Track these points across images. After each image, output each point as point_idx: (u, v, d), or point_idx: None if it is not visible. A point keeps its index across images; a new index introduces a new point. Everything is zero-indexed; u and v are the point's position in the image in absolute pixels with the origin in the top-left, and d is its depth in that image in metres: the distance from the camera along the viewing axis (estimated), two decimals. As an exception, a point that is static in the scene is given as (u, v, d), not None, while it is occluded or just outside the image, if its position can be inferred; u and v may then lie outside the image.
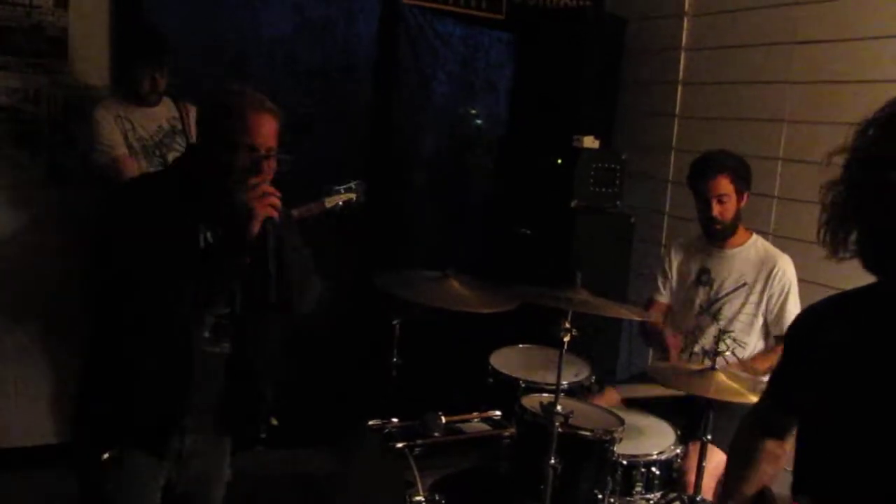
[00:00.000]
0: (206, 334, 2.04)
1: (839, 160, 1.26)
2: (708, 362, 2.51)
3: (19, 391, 3.70)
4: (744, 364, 2.91)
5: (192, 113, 3.50)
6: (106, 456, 1.99)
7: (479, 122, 4.68)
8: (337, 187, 3.45)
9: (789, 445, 1.64)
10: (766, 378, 1.91)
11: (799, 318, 1.54)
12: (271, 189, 1.94)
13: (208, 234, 2.00)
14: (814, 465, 1.36)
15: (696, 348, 3.10)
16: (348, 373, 4.08)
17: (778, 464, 1.70)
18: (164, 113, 3.47)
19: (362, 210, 3.67)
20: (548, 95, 4.29)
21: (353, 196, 3.47)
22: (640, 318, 2.91)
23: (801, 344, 1.48)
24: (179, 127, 3.45)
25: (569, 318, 2.35)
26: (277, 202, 1.94)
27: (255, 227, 1.89)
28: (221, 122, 1.95)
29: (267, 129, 1.97)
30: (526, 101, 4.49)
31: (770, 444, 1.69)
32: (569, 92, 4.20)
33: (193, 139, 3.37)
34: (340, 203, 3.45)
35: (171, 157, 3.42)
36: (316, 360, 4.16)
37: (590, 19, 4.34)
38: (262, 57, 4.02)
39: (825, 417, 1.33)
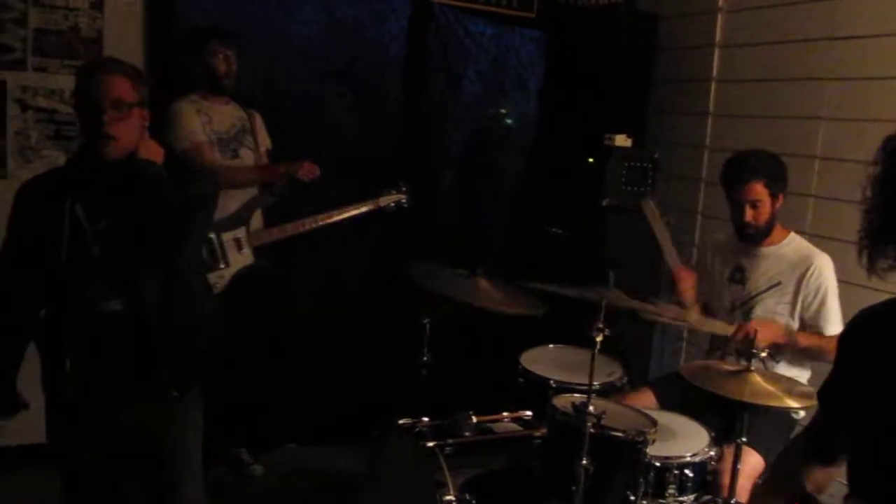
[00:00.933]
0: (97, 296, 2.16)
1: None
2: (742, 363, 2.47)
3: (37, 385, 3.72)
4: (787, 331, 2.85)
5: (258, 119, 3.66)
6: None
7: (509, 120, 4.66)
8: (388, 189, 3.65)
9: (837, 473, 1.58)
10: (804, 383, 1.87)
11: (852, 323, 1.47)
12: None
13: (77, 206, 2.13)
14: (869, 472, 1.32)
15: (730, 348, 3.05)
16: (378, 371, 4.08)
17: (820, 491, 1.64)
18: (235, 113, 3.60)
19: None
20: (579, 94, 4.25)
21: (403, 197, 3.67)
22: (673, 321, 2.86)
23: (855, 350, 1.42)
24: (248, 127, 3.60)
25: (602, 318, 2.32)
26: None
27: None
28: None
29: (114, 84, 2.13)
30: (557, 100, 4.45)
31: (818, 473, 1.61)
32: (600, 90, 4.16)
33: (258, 141, 3.59)
34: (392, 204, 3.64)
35: (241, 152, 3.56)
36: (346, 358, 4.18)
37: (621, 17, 4.30)
38: (293, 56, 4.05)
39: (883, 427, 1.29)
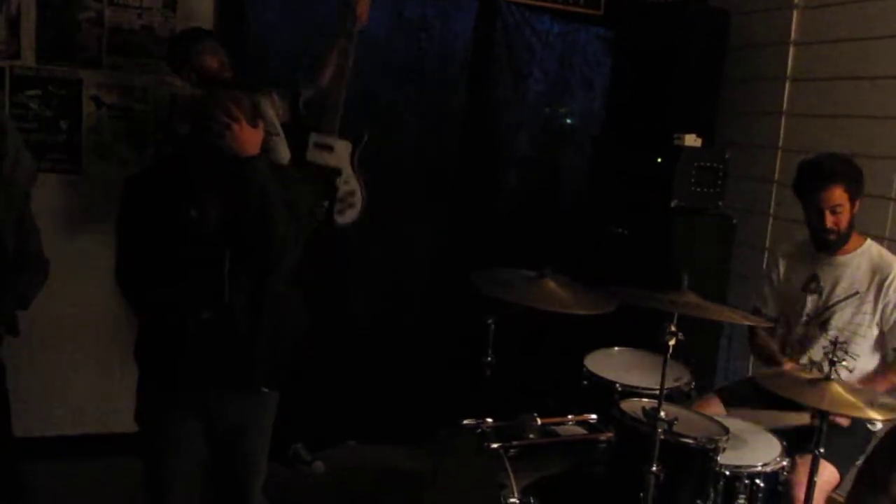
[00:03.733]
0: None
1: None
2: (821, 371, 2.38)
3: (125, 373, 3.82)
4: (861, 381, 2.77)
5: (268, 100, 3.53)
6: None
7: (574, 119, 4.60)
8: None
9: None
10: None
11: None
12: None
13: (193, 211, 2.20)
14: None
15: (804, 359, 2.96)
16: (443, 370, 4.08)
17: None
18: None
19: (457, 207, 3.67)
20: (647, 92, 4.17)
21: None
22: (750, 323, 2.78)
23: None
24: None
25: (674, 322, 2.27)
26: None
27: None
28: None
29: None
30: (624, 99, 4.38)
31: None
32: (669, 89, 4.06)
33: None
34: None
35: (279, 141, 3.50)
36: (410, 356, 4.18)
37: (691, 13, 4.20)
38: (358, 54, 4.05)
39: None
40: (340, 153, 3.49)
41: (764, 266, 3.86)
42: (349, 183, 3.49)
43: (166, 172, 2.34)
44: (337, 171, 3.48)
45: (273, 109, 3.57)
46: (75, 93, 3.69)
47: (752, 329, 3.16)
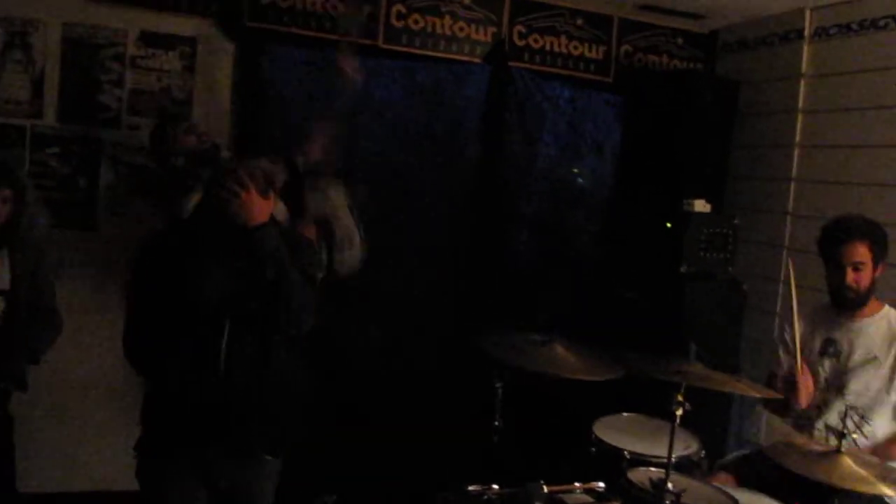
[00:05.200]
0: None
1: None
2: (833, 441, 2.34)
3: (130, 432, 3.79)
4: (875, 449, 2.72)
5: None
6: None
7: (584, 183, 4.64)
8: None
9: None
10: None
11: None
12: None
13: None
14: None
15: (820, 424, 2.92)
16: (449, 434, 4.03)
17: None
18: None
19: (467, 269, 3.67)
20: (656, 158, 4.22)
21: None
22: (759, 395, 2.74)
23: None
24: None
25: (682, 392, 2.25)
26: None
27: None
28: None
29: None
30: (633, 164, 4.43)
31: None
32: (678, 154, 4.11)
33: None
34: None
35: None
36: (415, 419, 4.14)
37: (700, 82, 4.28)
38: (373, 117, 4.13)
39: None
40: (335, 197, 3.50)
41: (776, 331, 3.85)
42: (347, 227, 3.46)
43: (176, 239, 2.36)
44: (333, 216, 3.48)
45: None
46: (94, 151, 3.76)
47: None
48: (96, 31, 3.71)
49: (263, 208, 2.20)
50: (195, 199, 3.14)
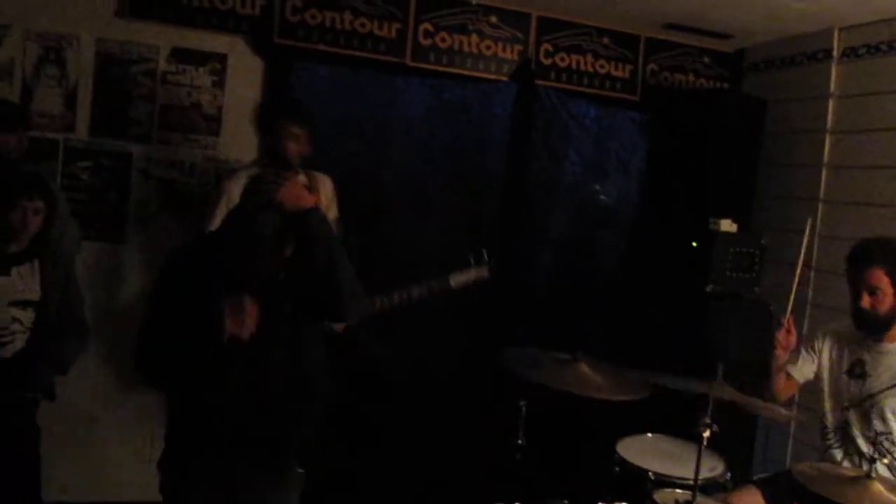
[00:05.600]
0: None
1: None
2: (864, 466, 2.31)
3: (155, 444, 3.82)
4: None
5: (327, 183, 3.60)
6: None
7: (609, 201, 4.64)
8: (464, 268, 3.44)
9: None
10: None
11: None
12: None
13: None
14: None
15: (834, 442, 2.88)
16: (472, 453, 4.01)
17: None
18: None
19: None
20: (682, 176, 4.20)
21: (482, 273, 3.46)
22: (787, 417, 2.71)
23: None
24: None
25: (709, 413, 2.23)
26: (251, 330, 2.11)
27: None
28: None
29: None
30: (659, 182, 4.42)
31: None
32: (705, 174, 4.10)
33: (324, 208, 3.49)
34: (469, 281, 3.44)
35: None
36: (439, 437, 4.13)
37: (727, 101, 4.27)
38: (400, 133, 4.18)
39: None
40: (326, 193, 3.49)
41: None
42: (334, 222, 3.42)
43: (203, 253, 2.32)
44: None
45: (334, 198, 3.59)
46: (125, 165, 3.82)
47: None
48: (129, 46, 3.77)
49: (306, 192, 2.19)
50: (222, 212, 3.19)
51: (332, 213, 3.57)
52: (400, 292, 3.47)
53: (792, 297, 2.95)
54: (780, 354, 2.96)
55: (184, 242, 2.48)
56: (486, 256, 3.52)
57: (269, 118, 3.46)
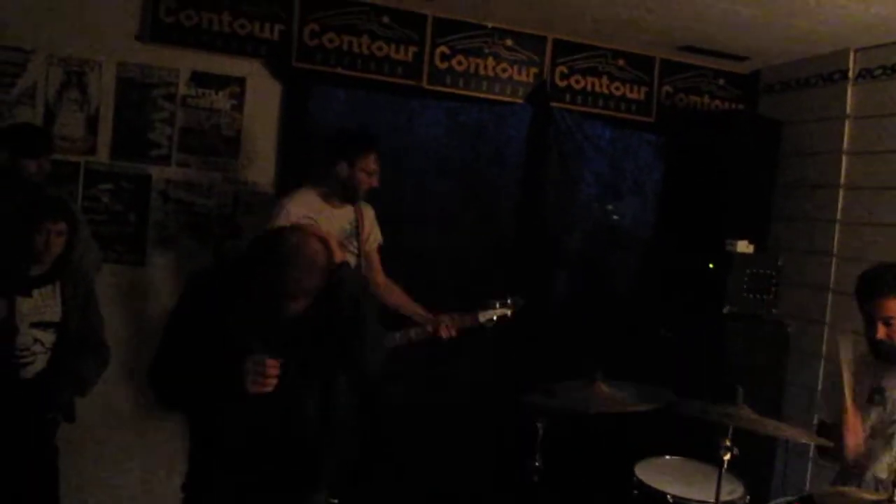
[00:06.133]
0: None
1: None
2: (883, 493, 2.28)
3: (172, 469, 3.82)
4: None
5: (370, 212, 3.60)
6: None
7: (625, 222, 4.64)
8: (493, 301, 3.47)
9: None
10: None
11: None
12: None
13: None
14: None
15: (868, 476, 2.84)
16: (488, 474, 4.01)
17: None
18: (346, 216, 3.45)
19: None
20: (698, 198, 4.21)
21: (507, 312, 3.49)
22: (809, 441, 2.67)
23: None
24: (355, 229, 3.48)
25: (729, 436, 2.22)
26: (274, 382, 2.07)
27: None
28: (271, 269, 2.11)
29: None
30: (675, 203, 4.42)
31: None
32: (721, 194, 4.10)
33: (363, 239, 3.50)
34: (494, 318, 3.47)
35: (350, 258, 3.33)
36: (454, 457, 4.12)
37: (743, 122, 4.27)
38: (416, 154, 4.22)
39: None
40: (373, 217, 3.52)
41: (820, 376, 3.79)
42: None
43: (226, 279, 2.27)
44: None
45: (376, 225, 3.61)
46: (144, 188, 3.86)
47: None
48: (149, 70, 3.83)
49: (339, 251, 2.22)
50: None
51: (374, 237, 3.60)
52: (424, 327, 3.50)
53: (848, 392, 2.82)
54: (851, 448, 2.75)
55: (204, 268, 2.48)
56: (514, 299, 3.57)
57: (350, 147, 3.36)
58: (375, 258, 3.62)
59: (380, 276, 3.61)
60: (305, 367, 2.20)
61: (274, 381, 2.07)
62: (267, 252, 2.16)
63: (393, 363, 3.60)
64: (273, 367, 2.06)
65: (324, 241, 2.17)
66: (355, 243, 3.48)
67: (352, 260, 3.41)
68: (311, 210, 3.30)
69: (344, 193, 3.38)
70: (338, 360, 2.24)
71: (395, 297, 3.60)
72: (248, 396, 2.06)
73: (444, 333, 3.46)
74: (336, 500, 2.38)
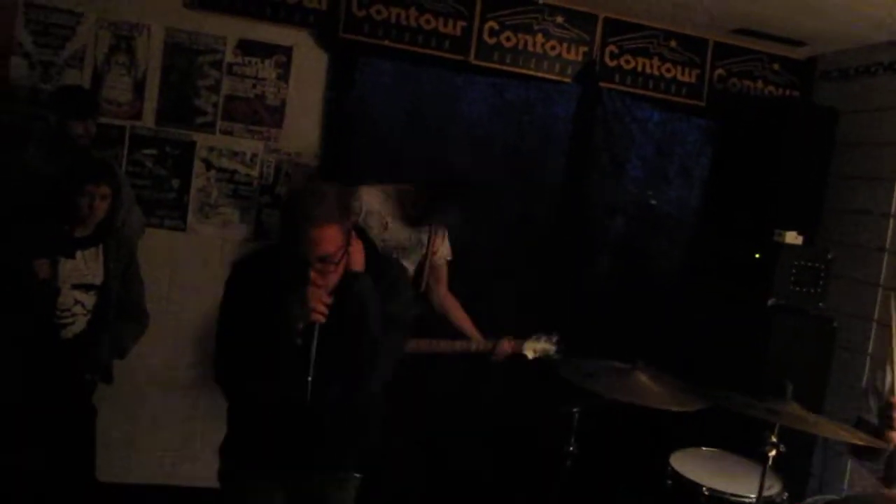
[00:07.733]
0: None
1: None
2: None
3: (208, 429, 3.86)
4: None
5: (439, 237, 3.54)
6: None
7: (670, 207, 4.54)
8: (539, 335, 3.43)
9: None
10: None
11: None
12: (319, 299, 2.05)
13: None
14: None
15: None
16: (523, 459, 3.97)
17: None
18: (415, 236, 3.44)
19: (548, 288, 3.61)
20: (748, 186, 4.10)
21: (551, 349, 3.43)
22: (862, 443, 2.60)
23: None
24: (423, 247, 3.48)
25: (776, 433, 2.16)
26: (323, 309, 2.05)
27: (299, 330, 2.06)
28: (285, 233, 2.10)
29: (322, 239, 2.03)
30: (723, 190, 4.31)
31: None
32: (771, 184, 3.98)
33: (430, 254, 3.49)
34: (538, 354, 3.43)
35: (407, 263, 3.39)
36: (490, 440, 4.09)
37: (798, 110, 4.15)
38: (461, 132, 4.16)
39: None
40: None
41: (866, 373, 3.69)
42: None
43: (270, 262, 2.23)
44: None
45: (446, 242, 3.58)
46: (188, 154, 3.87)
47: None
48: (197, 37, 3.83)
49: (361, 259, 2.20)
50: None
51: (443, 252, 3.57)
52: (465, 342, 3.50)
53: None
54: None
55: (246, 255, 2.44)
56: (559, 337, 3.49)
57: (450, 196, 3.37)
58: (443, 272, 3.61)
59: (443, 289, 3.61)
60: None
61: (323, 309, 2.05)
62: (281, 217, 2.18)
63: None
64: (315, 295, 2.04)
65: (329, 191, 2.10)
66: (417, 255, 3.48)
67: (410, 268, 3.44)
68: (384, 213, 3.35)
69: (415, 218, 3.40)
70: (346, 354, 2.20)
71: (455, 312, 3.59)
72: (297, 349, 2.06)
73: (499, 357, 3.45)
74: (358, 475, 2.36)
